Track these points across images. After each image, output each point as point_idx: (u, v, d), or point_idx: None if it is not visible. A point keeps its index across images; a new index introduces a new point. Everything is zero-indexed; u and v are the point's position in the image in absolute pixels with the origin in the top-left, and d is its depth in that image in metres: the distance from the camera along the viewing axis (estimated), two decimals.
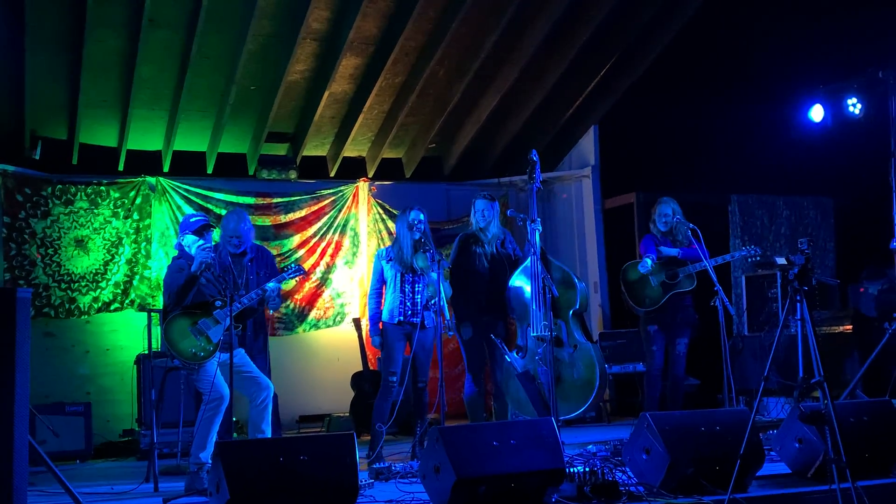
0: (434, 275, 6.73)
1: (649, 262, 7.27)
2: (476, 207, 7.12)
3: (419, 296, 6.79)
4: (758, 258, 7.44)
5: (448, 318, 6.73)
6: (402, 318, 6.78)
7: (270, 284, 6.28)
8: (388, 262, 6.88)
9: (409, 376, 6.81)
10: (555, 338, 6.55)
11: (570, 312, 6.84)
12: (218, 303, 5.98)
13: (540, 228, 6.81)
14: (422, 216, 6.78)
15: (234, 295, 5.94)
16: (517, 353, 6.80)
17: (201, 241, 5.99)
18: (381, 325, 6.90)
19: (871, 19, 8.65)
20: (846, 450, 4.56)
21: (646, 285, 7.35)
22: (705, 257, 6.89)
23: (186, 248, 6.01)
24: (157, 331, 7.23)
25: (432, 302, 6.75)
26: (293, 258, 9.45)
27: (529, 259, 6.79)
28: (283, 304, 9.45)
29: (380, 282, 6.94)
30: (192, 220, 6.20)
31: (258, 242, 7.08)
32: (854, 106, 9.08)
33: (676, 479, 4.98)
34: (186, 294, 5.94)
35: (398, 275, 6.81)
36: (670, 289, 7.25)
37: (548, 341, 6.46)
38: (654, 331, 7.34)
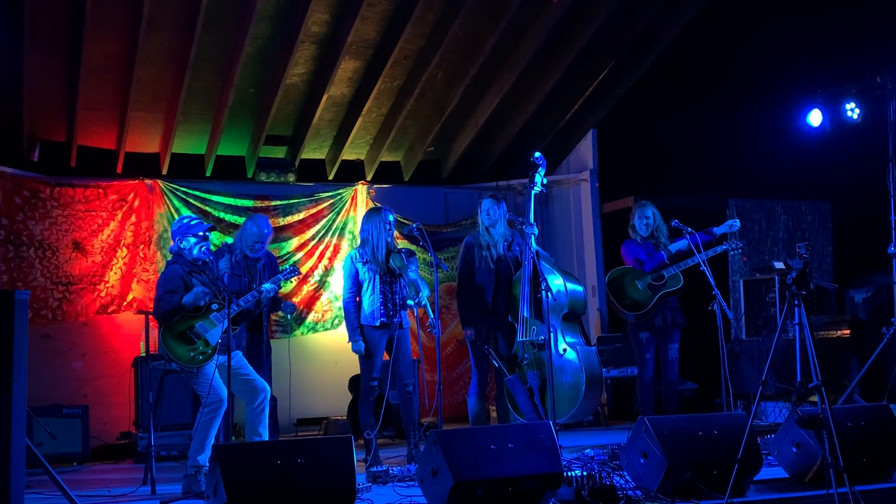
0: (412, 274, 6.71)
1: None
2: (482, 207, 7.06)
3: (397, 296, 6.75)
4: (739, 251, 7.35)
5: (432, 316, 6.69)
6: (384, 319, 6.70)
7: (266, 286, 6.30)
8: (363, 265, 6.77)
9: (396, 380, 6.77)
10: (542, 342, 6.53)
11: (561, 315, 6.82)
12: (214, 305, 5.98)
13: (536, 232, 6.77)
14: (391, 217, 6.75)
15: (232, 297, 5.94)
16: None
17: (203, 245, 6.02)
18: (361, 329, 6.79)
19: (870, 24, 8.66)
20: (844, 454, 4.56)
21: (633, 289, 7.27)
22: (699, 252, 6.87)
23: (186, 252, 6.01)
24: (154, 333, 7.23)
25: (410, 302, 6.73)
26: (291, 261, 9.45)
27: (524, 263, 6.77)
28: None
29: (355, 285, 6.80)
30: (193, 222, 6.17)
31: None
32: (852, 111, 9.10)
33: (674, 484, 4.98)
34: (170, 319, 5.91)
35: (375, 276, 6.73)
36: (658, 290, 7.18)
37: (543, 345, 6.46)
38: (646, 338, 7.22)
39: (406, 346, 6.81)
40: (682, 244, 7.16)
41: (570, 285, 6.90)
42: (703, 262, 6.77)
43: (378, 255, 6.69)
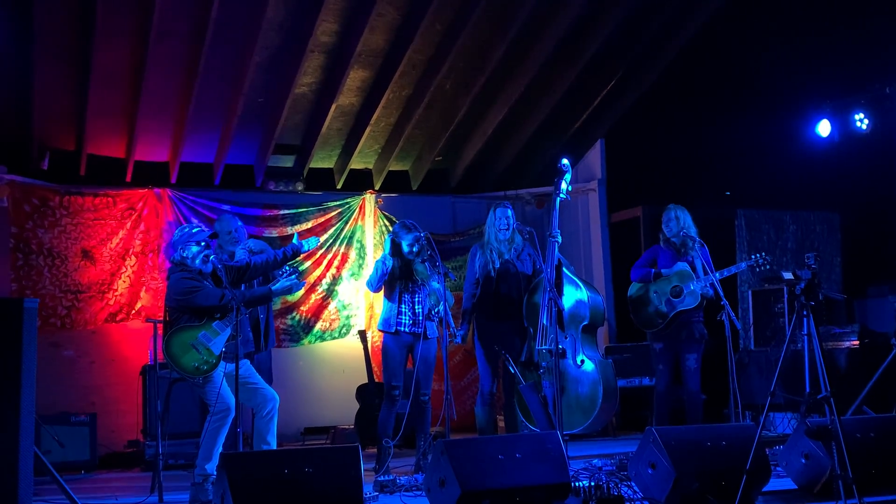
0: (436, 284, 6.68)
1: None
2: (505, 213, 7.04)
3: (419, 306, 6.75)
4: (767, 266, 7.21)
5: (452, 327, 6.68)
6: (400, 327, 6.71)
7: (275, 286, 6.34)
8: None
9: (413, 389, 6.77)
10: (561, 351, 6.50)
11: (580, 326, 6.77)
12: (217, 314, 5.96)
13: (559, 241, 6.71)
14: (420, 235, 6.69)
15: (240, 305, 5.93)
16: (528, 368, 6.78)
17: (206, 253, 6.01)
18: (381, 335, 6.83)
19: (879, 35, 8.65)
20: (853, 466, 4.55)
21: (652, 304, 7.21)
22: (711, 271, 6.82)
23: (189, 261, 5.99)
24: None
25: (434, 312, 6.70)
26: (299, 270, 9.44)
27: (545, 271, 6.71)
28: (290, 316, 9.48)
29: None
30: (194, 230, 6.15)
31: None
32: (861, 121, 9.10)
33: (682, 494, 4.97)
34: (225, 310, 5.93)
35: (398, 284, 6.74)
36: (674, 307, 7.08)
37: (563, 353, 6.44)
38: (660, 349, 7.17)
39: (429, 357, 6.78)
40: (706, 257, 7.11)
41: (592, 296, 6.84)
42: (716, 280, 6.72)
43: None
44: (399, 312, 6.71)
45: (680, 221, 7.18)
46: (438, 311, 6.65)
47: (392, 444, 6.61)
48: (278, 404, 6.14)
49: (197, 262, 5.97)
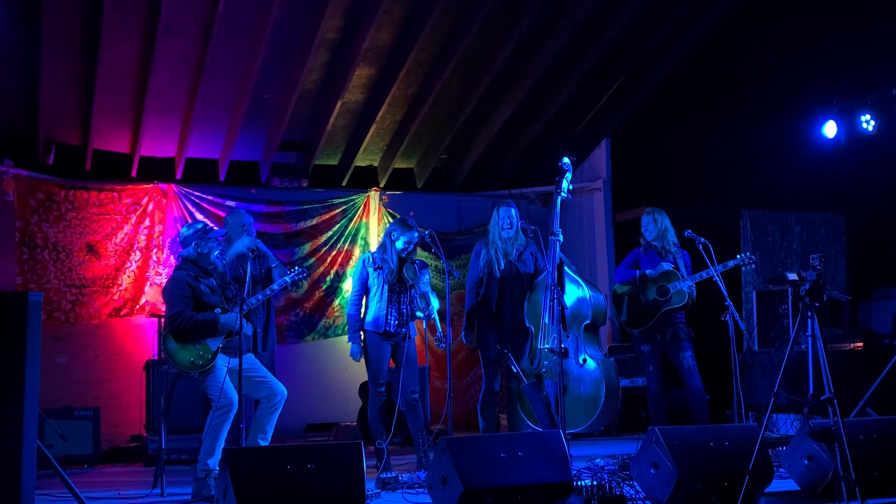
0: (424, 287, 6.69)
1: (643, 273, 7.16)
2: (506, 213, 7.02)
3: (405, 306, 6.74)
4: (752, 266, 7.20)
5: (439, 330, 6.68)
6: (387, 328, 6.69)
7: (274, 287, 6.36)
8: (375, 270, 6.75)
9: (402, 388, 6.76)
10: (563, 350, 6.49)
11: (583, 325, 6.76)
12: (217, 310, 5.97)
13: (560, 240, 6.71)
14: (416, 235, 6.68)
15: (243, 301, 5.94)
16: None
17: (219, 249, 6.08)
18: (363, 334, 6.77)
19: (886, 36, 8.64)
20: (856, 468, 4.54)
21: (637, 304, 7.16)
22: (716, 273, 6.79)
23: (203, 257, 6.04)
24: None
25: (420, 314, 6.70)
26: (304, 266, 9.45)
27: (547, 269, 6.71)
28: (293, 312, 9.49)
29: (362, 288, 6.79)
30: (208, 228, 6.18)
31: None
32: (867, 123, 9.09)
33: (684, 495, 4.96)
34: (186, 333, 5.94)
35: (385, 284, 6.71)
36: (661, 306, 7.05)
37: (564, 352, 6.43)
38: (647, 350, 7.14)
39: (412, 355, 6.79)
40: (687, 259, 7.11)
41: (593, 295, 6.84)
42: (717, 275, 6.69)
43: (391, 265, 6.67)
44: (387, 313, 6.69)
45: (658, 224, 7.18)
46: (430, 312, 6.67)
47: (385, 444, 6.58)
48: (285, 398, 6.14)
49: (211, 257, 6.07)
